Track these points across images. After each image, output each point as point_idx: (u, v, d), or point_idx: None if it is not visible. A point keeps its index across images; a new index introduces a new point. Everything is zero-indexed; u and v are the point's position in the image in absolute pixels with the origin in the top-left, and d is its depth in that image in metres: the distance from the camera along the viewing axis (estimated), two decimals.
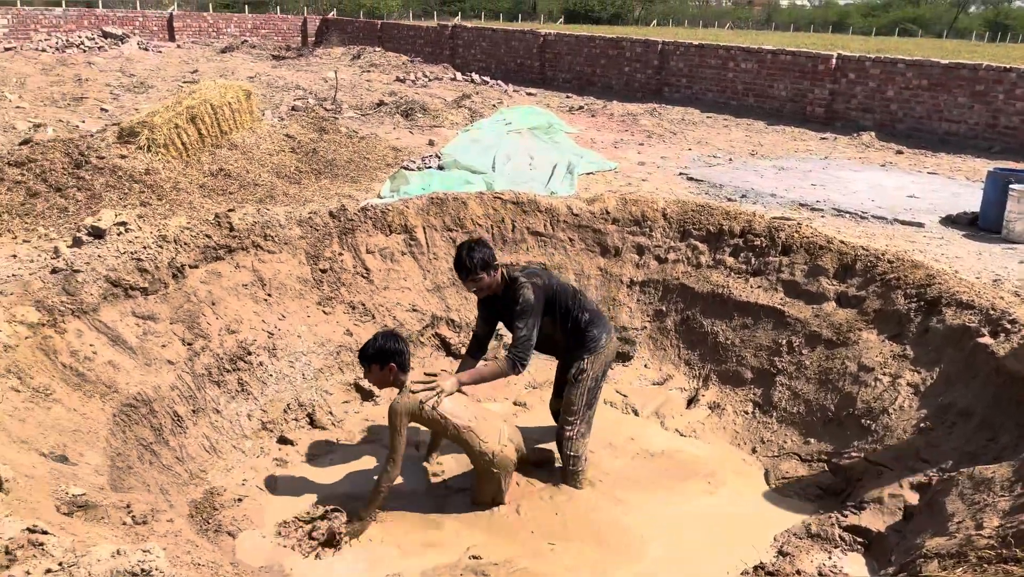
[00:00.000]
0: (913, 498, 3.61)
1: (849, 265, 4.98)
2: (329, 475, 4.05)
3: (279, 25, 28.88)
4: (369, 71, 17.92)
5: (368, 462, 4.18)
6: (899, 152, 11.48)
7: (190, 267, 4.47)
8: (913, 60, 12.92)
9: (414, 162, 8.63)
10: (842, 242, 5.17)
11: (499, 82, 17.35)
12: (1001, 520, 2.96)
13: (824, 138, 12.60)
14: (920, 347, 4.29)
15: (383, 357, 3.56)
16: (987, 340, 3.94)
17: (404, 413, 3.50)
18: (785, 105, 14.37)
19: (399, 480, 3.71)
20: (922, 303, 4.45)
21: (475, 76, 17.56)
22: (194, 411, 4.00)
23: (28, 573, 1.85)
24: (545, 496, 3.90)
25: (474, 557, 3.42)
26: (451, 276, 5.60)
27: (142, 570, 1.90)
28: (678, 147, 11.29)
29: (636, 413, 4.87)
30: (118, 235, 5.34)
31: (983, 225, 7.16)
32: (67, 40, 21.00)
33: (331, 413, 4.53)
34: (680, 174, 9.21)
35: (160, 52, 20.84)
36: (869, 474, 3.93)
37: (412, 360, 5.26)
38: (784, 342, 4.92)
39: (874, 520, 3.63)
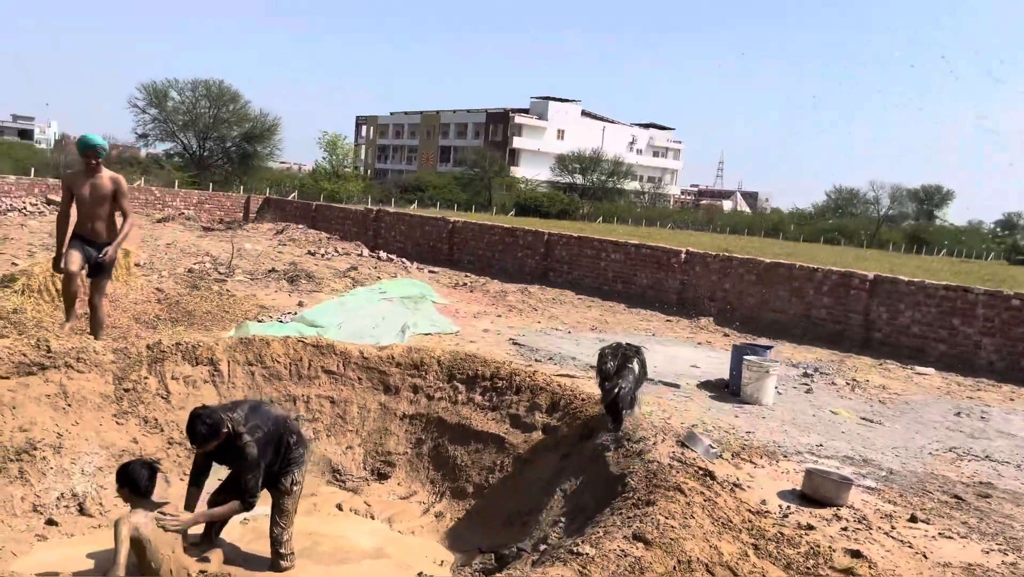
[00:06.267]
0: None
1: (557, 402, 6.19)
2: (81, 549, 4.88)
3: (223, 201, 31.04)
4: (286, 244, 19.57)
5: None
6: (725, 335, 13.06)
7: (1, 377, 5.49)
8: (744, 258, 14.92)
9: (271, 316, 9.84)
10: (558, 384, 6.41)
11: (404, 260, 19.06)
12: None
13: (669, 320, 14.22)
14: (577, 463, 5.42)
15: (120, 480, 4.32)
16: (609, 454, 5.09)
17: (125, 525, 4.12)
18: (647, 292, 16.15)
19: None
20: (587, 429, 5.62)
21: (382, 254, 19.30)
22: None
23: None
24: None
25: None
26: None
27: None
28: (530, 320, 12.73)
29: (373, 517, 5.82)
30: None
31: (731, 389, 8.50)
32: (10, 204, 22.54)
33: (101, 504, 5.40)
34: (509, 340, 10.54)
35: None
36: (515, 558, 4.90)
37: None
38: (499, 462, 6.00)
39: None
